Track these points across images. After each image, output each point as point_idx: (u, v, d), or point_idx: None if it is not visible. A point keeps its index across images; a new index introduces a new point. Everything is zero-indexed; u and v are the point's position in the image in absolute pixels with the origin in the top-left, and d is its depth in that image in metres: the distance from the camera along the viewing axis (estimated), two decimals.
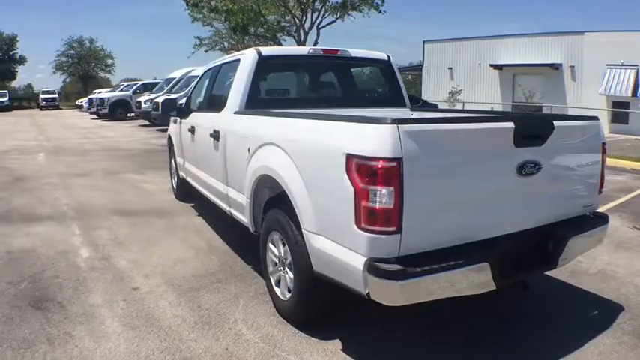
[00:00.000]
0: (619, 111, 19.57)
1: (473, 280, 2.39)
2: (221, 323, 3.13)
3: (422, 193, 2.21)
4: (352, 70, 4.80)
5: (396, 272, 2.16)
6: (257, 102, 4.01)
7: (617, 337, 2.99)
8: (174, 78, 19.06)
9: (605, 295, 3.60)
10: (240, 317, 3.22)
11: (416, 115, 4.80)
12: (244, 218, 3.74)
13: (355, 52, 4.52)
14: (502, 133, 2.48)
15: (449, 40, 26.86)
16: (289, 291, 3.09)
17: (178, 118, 5.95)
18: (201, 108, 5.01)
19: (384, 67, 4.73)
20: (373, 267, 2.19)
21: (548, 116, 3.25)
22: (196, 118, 5.00)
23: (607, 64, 20.30)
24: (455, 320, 3.20)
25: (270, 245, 3.30)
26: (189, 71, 18.14)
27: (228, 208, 4.13)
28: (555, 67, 22.77)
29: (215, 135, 4.17)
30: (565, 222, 2.91)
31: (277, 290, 3.26)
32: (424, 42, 27.46)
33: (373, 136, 2.17)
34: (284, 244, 3.08)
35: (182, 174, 6.09)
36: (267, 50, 4.08)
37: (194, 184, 5.30)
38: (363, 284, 2.25)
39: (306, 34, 20.84)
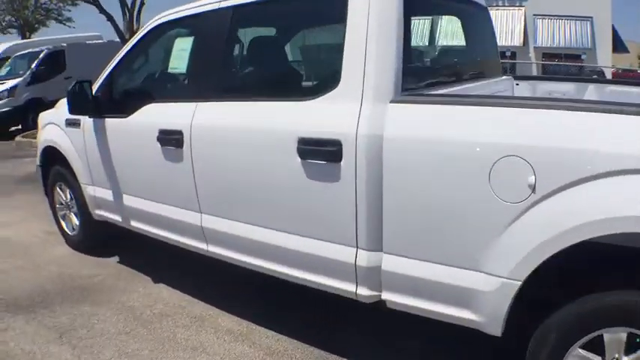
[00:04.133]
0: None
1: None
2: None
3: None
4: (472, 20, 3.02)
5: None
6: (411, 79, 2.10)
7: None
8: None
9: None
10: None
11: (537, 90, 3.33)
12: (471, 315, 1.88)
13: None
14: None
15: None
16: None
17: (85, 119, 3.30)
18: (205, 95, 2.60)
19: (485, 16, 3.13)
20: None
21: None
22: (196, 114, 2.58)
23: None
24: None
25: None
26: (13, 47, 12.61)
27: (377, 293, 2.10)
28: None
29: (319, 150, 2.07)
30: None
31: None
32: None
33: None
34: None
35: (103, 213, 3.46)
36: None
37: (183, 240, 2.88)
38: None
39: None
